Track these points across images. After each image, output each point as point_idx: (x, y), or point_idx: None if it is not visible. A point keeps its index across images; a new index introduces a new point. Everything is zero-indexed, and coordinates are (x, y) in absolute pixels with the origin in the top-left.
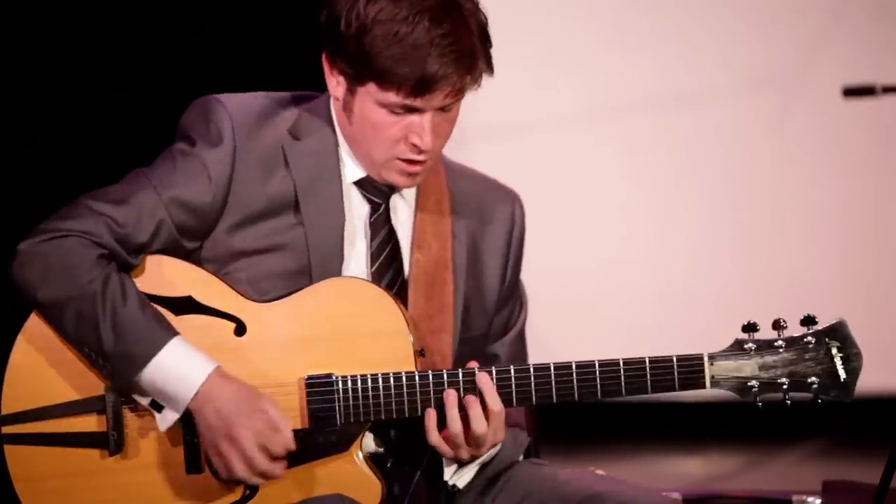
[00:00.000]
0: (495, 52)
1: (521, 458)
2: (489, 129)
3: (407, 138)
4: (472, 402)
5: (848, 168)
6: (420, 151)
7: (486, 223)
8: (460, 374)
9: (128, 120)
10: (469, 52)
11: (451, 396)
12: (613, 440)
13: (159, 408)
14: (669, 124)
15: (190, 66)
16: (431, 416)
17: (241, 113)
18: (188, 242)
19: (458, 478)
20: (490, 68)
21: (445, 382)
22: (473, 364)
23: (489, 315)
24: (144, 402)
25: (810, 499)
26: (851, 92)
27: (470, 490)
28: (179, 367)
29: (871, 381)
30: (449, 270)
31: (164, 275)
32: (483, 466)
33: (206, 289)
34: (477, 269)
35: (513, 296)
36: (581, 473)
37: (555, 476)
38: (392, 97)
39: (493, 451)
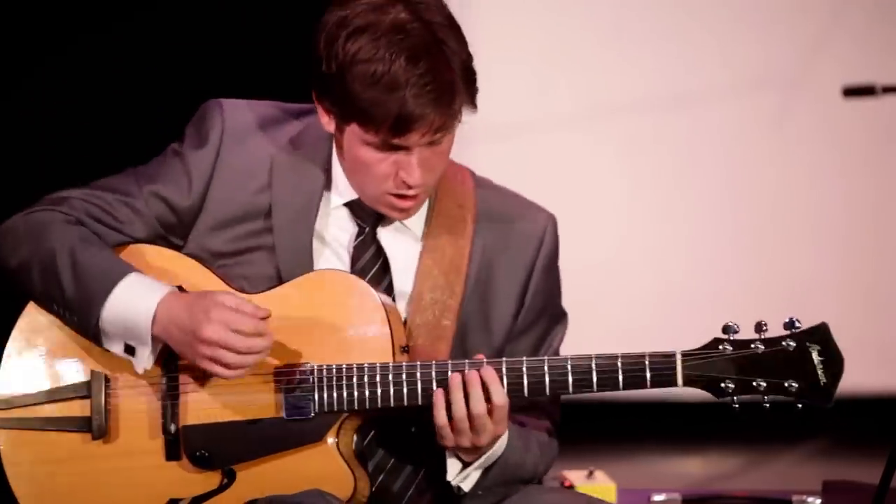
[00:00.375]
0: (496, 52)
1: (542, 468)
2: (489, 129)
3: (396, 175)
4: (474, 386)
5: (848, 168)
6: (409, 187)
7: (508, 245)
8: (433, 366)
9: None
10: (447, 90)
11: (455, 380)
12: (613, 440)
13: (132, 350)
14: (669, 124)
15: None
16: (440, 396)
17: (236, 118)
18: (175, 239)
19: (461, 479)
20: (473, 105)
21: (418, 374)
22: (480, 356)
23: (495, 340)
24: (118, 348)
25: (810, 499)
26: (851, 92)
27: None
28: (137, 296)
29: (871, 381)
30: (461, 279)
31: (154, 265)
32: (486, 470)
33: (195, 279)
34: (487, 292)
35: (538, 321)
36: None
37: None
38: (373, 137)
39: (495, 452)
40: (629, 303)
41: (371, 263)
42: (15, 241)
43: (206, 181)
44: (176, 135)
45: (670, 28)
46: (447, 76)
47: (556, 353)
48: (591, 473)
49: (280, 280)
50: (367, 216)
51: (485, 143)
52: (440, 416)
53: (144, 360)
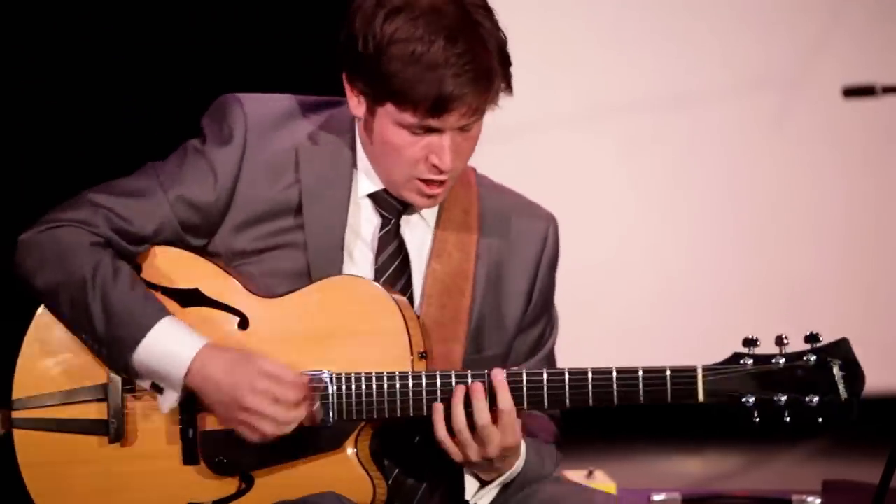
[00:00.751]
0: None
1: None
2: (489, 129)
3: (427, 158)
4: (476, 394)
5: (848, 168)
6: (440, 171)
7: (514, 244)
8: (453, 376)
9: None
10: (486, 71)
11: (458, 391)
12: (613, 440)
13: (160, 389)
14: (669, 124)
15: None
16: (438, 410)
17: (257, 114)
18: (193, 239)
19: (479, 498)
20: (509, 87)
21: (438, 384)
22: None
23: (507, 336)
24: (145, 384)
25: (810, 499)
26: (851, 92)
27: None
28: (169, 346)
29: (870, 381)
30: (469, 282)
31: (172, 266)
32: (505, 487)
33: (214, 282)
34: (498, 289)
35: (541, 318)
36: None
37: (581, 494)
38: (409, 118)
39: (515, 470)
40: (629, 303)
41: (394, 257)
42: (41, 260)
43: (234, 180)
44: (185, 127)
45: (670, 28)
46: (485, 57)
47: (552, 354)
48: (591, 473)
49: (309, 275)
50: (391, 207)
51: (485, 143)
52: (439, 429)
53: (170, 401)
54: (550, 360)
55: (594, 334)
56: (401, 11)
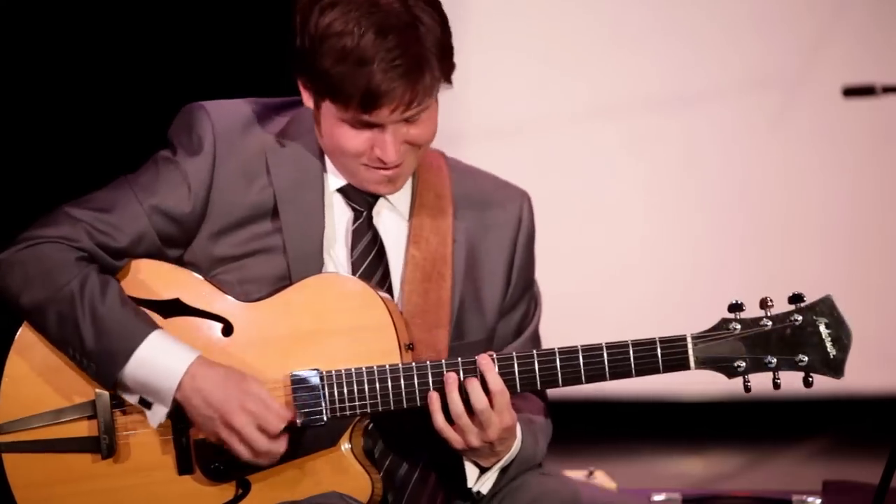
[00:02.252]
0: (495, 52)
1: (542, 456)
2: (489, 129)
3: (372, 150)
4: (471, 381)
5: (848, 168)
6: (384, 164)
7: (489, 225)
8: (444, 366)
9: (115, 127)
10: (416, 65)
11: (450, 379)
12: (613, 440)
13: (148, 405)
14: (669, 124)
15: (181, 72)
16: (435, 399)
17: (224, 121)
18: (171, 250)
19: (481, 484)
20: (447, 79)
21: (429, 374)
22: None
23: (489, 320)
24: (133, 399)
25: (810, 499)
26: (851, 92)
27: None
28: (161, 359)
29: (871, 381)
30: (448, 266)
31: (151, 278)
32: (504, 470)
33: (194, 291)
34: (475, 273)
35: (523, 297)
36: (591, 486)
37: (566, 485)
38: (344, 113)
39: (513, 452)
40: (630, 303)
41: (368, 249)
42: (25, 278)
43: (207, 188)
44: (152, 137)
45: (670, 28)
46: (417, 50)
47: (537, 332)
48: (591, 473)
49: (289, 279)
50: (361, 200)
51: (485, 142)
52: (438, 419)
53: (159, 417)
54: (536, 338)
55: (594, 334)
56: (336, 5)
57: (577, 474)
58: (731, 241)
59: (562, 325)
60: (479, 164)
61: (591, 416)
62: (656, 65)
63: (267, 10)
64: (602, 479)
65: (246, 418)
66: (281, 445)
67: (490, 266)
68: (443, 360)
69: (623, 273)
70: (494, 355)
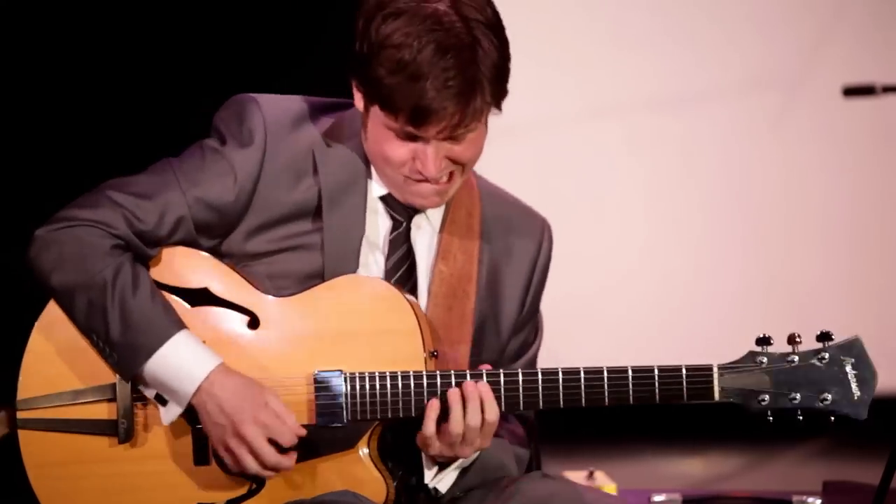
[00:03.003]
0: None
1: (515, 467)
2: (489, 129)
3: (413, 161)
4: (473, 401)
5: (848, 168)
6: (425, 178)
7: (511, 249)
8: (468, 376)
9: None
10: (470, 87)
11: (455, 395)
12: (613, 440)
13: (164, 401)
14: (669, 124)
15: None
16: (434, 407)
17: (275, 116)
18: (205, 240)
19: (438, 481)
20: (497, 106)
21: (452, 384)
22: (486, 366)
23: (503, 340)
24: (150, 394)
25: (810, 499)
26: (851, 92)
27: (473, 500)
28: (183, 361)
29: None
30: (472, 284)
31: (181, 266)
32: (464, 471)
33: (222, 282)
34: (495, 293)
35: (530, 321)
36: (592, 490)
37: (567, 488)
38: (392, 123)
39: (473, 456)
40: (631, 304)
41: (402, 260)
42: (59, 259)
43: (254, 182)
44: (194, 121)
45: (670, 28)
46: (472, 73)
47: (535, 360)
48: (591, 474)
49: (322, 277)
50: (402, 210)
51: (485, 143)
52: (430, 427)
53: (172, 415)
54: (534, 364)
55: (596, 335)
56: (400, 16)
57: (577, 475)
58: (731, 240)
59: (562, 325)
60: (479, 164)
61: (591, 416)
62: (656, 65)
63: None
64: (602, 479)
65: (257, 429)
66: (290, 460)
67: (509, 290)
68: (467, 371)
69: (623, 273)
70: (520, 370)
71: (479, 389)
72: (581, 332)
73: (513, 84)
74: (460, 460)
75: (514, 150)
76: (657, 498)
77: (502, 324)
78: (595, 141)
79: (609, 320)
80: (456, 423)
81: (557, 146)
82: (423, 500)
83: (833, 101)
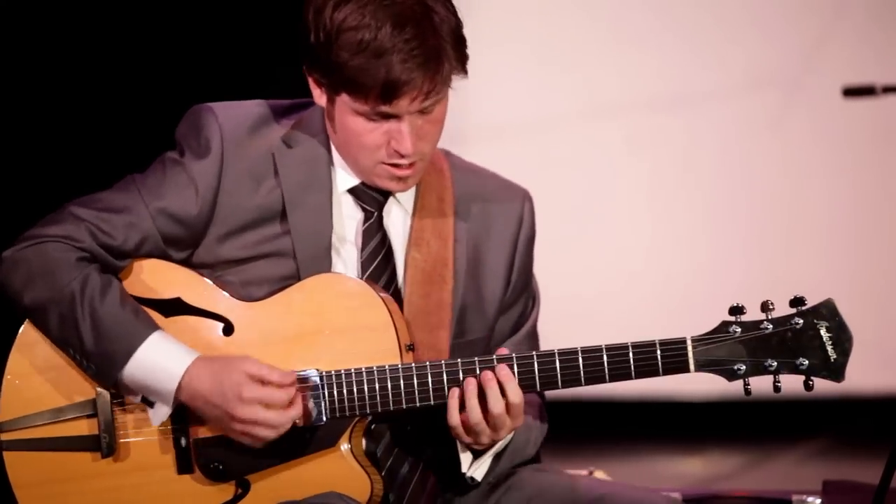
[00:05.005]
0: (496, 52)
1: (533, 450)
2: (489, 129)
3: (388, 144)
4: (491, 386)
5: (848, 168)
6: (401, 156)
7: (490, 224)
8: (443, 366)
9: (123, 125)
10: (434, 55)
11: (471, 385)
12: (613, 440)
13: (151, 403)
14: (669, 124)
15: (188, 71)
16: (454, 396)
17: (231, 123)
18: (175, 252)
19: (475, 469)
20: (463, 69)
21: (429, 375)
22: (502, 350)
23: (489, 318)
24: (136, 399)
25: (810, 499)
26: (851, 92)
27: (470, 494)
28: (159, 361)
29: (871, 381)
30: (449, 269)
31: (153, 278)
32: (497, 457)
33: (195, 290)
34: (477, 272)
35: (522, 295)
36: (587, 478)
37: (562, 479)
38: (363, 105)
39: (507, 439)
40: (629, 303)
41: (378, 250)
42: (28, 276)
43: (214, 191)
44: (160, 136)
45: (670, 28)
46: (434, 41)
47: (535, 329)
48: (590, 473)
49: (298, 278)
50: (372, 200)
51: (485, 142)
52: (454, 416)
53: (161, 415)
54: (533, 335)
55: (595, 334)
56: (350, 0)
57: (576, 474)
58: (731, 239)
59: (562, 325)
60: (480, 163)
61: (591, 416)
62: (657, 65)
63: (271, 9)
64: (602, 478)
65: (249, 407)
66: (295, 411)
67: (491, 265)
68: (442, 361)
69: (623, 273)
70: (495, 357)
71: (498, 374)
72: (581, 332)
73: (514, 83)
74: (494, 448)
75: (515, 149)
76: None
77: (486, 301)
78: (595, 140)
79: (609, 320)
80: (475, 414)
81: (558, 145)
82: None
83: (833, 101)
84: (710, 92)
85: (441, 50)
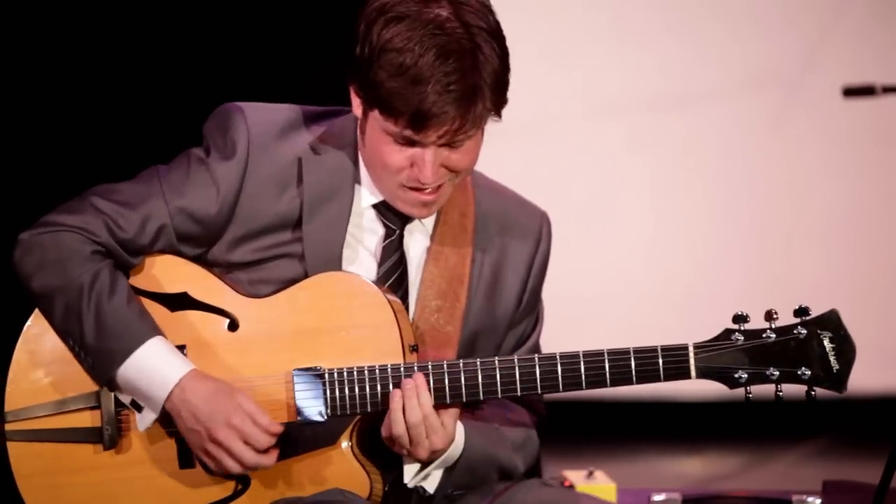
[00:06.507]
0: None
1: (520, 461)
2: (490, 129)
3: (411, 167)
4: (410, 394)
5: (848, 168)
6: (421, 183)
7: (507, 248)
8: (444, 364)
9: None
10: (470, 92)
11: (395, 397)
12: (613, 440)
13: (139, 408)
14: (670, 124)
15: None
16: (396, 397)
17: (260, 126)
18: (189, 249)
19: (419, 481)
20: (497, 113)
21: (431, 375)
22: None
23: (498, 337)
24: (126, 400)
25: (810, 499)
26: (851, 92)
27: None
28: (155, 366)
29: (871, 381)
30: (464, 286)
31: (161, 271)
32: (449, 469)
33: (202, 285)
34: (494, 293)
35: (530, 314)
36: (587, 496)
37: (566, 496)
38: (392, 127)
39: (453, 452)
40: (629, 304)
41: (394, 268)
42: (41, 262)
43: (236, 194)
44: (188, 127)
45: (670, 28)
46: (473, 79)
47: (538, 347)
48: (591, 473)
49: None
50: (395, 217)
51: (485, 142)
52: (385, 427)
53: (147, 421)
54: (535, 351)
55: (596, 334)
56: (401, 21)
57: (576, 474)
58: (731, 239)
59: (562, 325)
60: (481, 163)
61: (591, 416)
62: (657, 64)
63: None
64: (602, 478)
65: (231, 433)
66: (270, 458)
67: (506, 285)
68: (444, 362)
69: (623, 272)
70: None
71: (415, 382)
72: (582, 332)
73: (514, 83)
74: (441, 458)
75: (516, 149)
76: (657, 497)
77: (498, 320)
78: (596, 140)
79: (610, 320)
80: (396, 424)
81: (558, 145)
82: (415, 501)
83: (833, 101)
84: (711, 91)
85: (478, 89)
